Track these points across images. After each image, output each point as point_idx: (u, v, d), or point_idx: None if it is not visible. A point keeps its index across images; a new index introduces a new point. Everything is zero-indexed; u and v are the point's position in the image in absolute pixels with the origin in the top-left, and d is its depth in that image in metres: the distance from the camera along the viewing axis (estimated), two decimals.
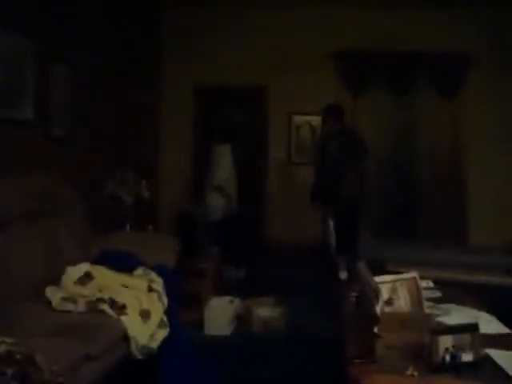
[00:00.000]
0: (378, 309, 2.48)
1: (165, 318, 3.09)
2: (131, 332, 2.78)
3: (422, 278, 2.84)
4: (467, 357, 2.13)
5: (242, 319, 4.34)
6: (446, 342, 2.12)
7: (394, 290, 2.68)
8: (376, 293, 2.51)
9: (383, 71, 7.20)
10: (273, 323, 4.25)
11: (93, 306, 2.82)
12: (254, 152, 7.49)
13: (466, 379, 2.04)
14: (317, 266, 6.07)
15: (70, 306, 2.83)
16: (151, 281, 3.25)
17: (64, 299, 2.86)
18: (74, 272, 3.12)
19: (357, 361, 2.18)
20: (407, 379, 2.05)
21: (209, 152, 6.08)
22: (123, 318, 2.80)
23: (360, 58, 7.13)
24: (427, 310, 2.74)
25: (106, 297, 2.87)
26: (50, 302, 2.87)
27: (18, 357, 1.91)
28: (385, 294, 2.65)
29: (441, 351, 2.11)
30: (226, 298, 4.40)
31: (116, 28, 5.66)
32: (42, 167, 3.97)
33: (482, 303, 3.00)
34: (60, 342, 2.37)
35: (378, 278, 2.66)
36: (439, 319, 2.68)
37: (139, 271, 3.38)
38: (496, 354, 2.25)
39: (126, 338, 2.77)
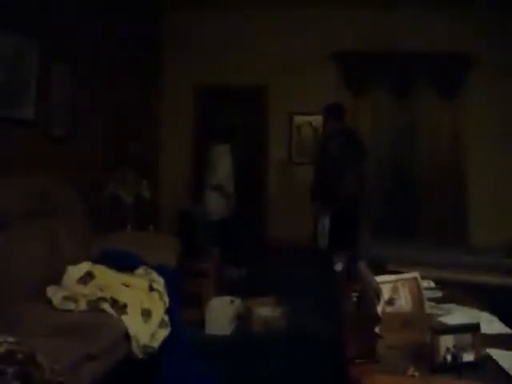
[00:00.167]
0: (379, 309, 2.48)
1: (166, 318, 3.10)
2: (132, 331, 2.78)
3: (422, 278, 2.85)
4: (468, 357, 2.13)
5: (242, 319, 4.34)
6: (447, 341, 2.12)
7: (395, 290, 2.68)
8: (377, 293, 2.51)
9: (384, 71, 7.19)
10: (273, 323, 4.26)
11: (94, 305, 2.83)
12: (254, 152, 7.48)
13: (467, 379, 2.04)
14: (317, 265, 6.07)
15: (71, 305, 2.83)
16: (152, 280, 3.25)
17: (65, 298, 2.86)
18: (75, 271, 3.13)
19: (358, 361, 2.18)
20: (408, 379, 2.04)
21: (209, 151, 6.08)
22: (124, 317, 2.80)
23: (360, 58, 7.12)
24: (428, 310, 2.74)
25: (107, 296, 2.87)
26: (50, 302, 2.87)
27: (19, 356, 1.91)
28: (386, 294, 2.65)
29: (442, 351, 2.11)
30: (227, 298, 4.40)
31: (116, 28, 5.66)
32: (42, 167, 3.96)
33: (482, 303, 3.00)
34: (61, 341, 2.37)
35: (379, 278, 2.66)
36: (440, 319, 2.68)
37: (140, 271, 3.38)
38: (497, 354, 2.25)
39: (126, 338, 2.77)
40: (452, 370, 2.10)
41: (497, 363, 2.18)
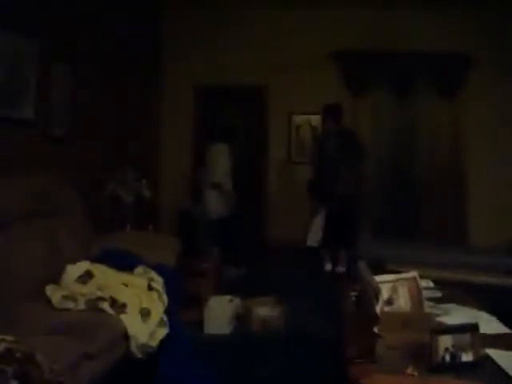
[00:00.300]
0: (378, 308, 2.48)
1: (165, 317, 3.09)
2: (131, 331, 2.78)
3: (421, 277, 2.84)
4: (467, 357, 2.13)
5: (241, 318, 4.34)
6: (445, 341, 2.12)
7: (395, 290, 2.68)
8: (376, 292, 2.51)
9: (383, 71, 7.20)
10: (272, 323, 4.25)
11: (93, 304, 2.83)
12: (254, 151, 7.50)
13: (466, 379, 2.04)
14: (316, 265, 6.08)
15: (70, 305, 2.83)
16: (151, 280, 3.25)
17: (64, 297, 2.86)
18: (74, 270, 3.13)
19: (357, 360, 2.18)
20: (407, 379, 2.04)
21: (207, 151, 6.08)
22: (123, 316, 2.80)
23: (360, 58, 7.13)
24: (427, 310, 2.74)
25: (106, 295, 2.87)
26: (49, 301, 2.87)
27: (18, 355, 1.91)
28: (385, 294, 2.65)
29: (441, 351, 2.11)
30: (226, 298, 4.39)
31: (116, 28, 5.66)
32: (42, 167, 3.97)
33: (481, 303, 3.00)
34: (60, 340, 2.37)
35: (378, 278, 2.66)
36: (439, 319, 2.68)
37: (139, 270, 3.38)
38: (496, 354, 2.25)
39: (125, 337, 2.77)
40: (451, 370, 2.10)
41: (496, 363, 2.18)
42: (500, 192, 7.00)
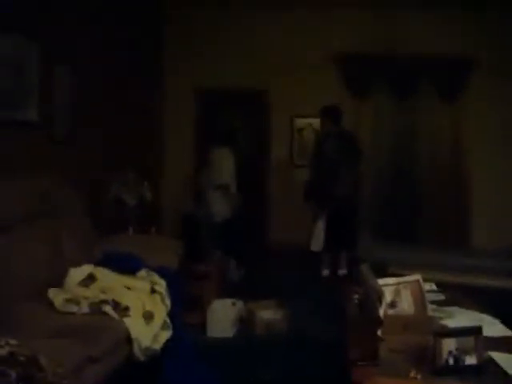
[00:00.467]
0: (381, 311, 2.48)
1: (168, 320, 3.10)
2: (134, 334, 2.78)
3: (424, 280, 2.84)
4: (470, 360, 2.13)
5: (244, 322, 4.33)
6: (449, 344, 2.11)
7: (398, 293, 2.68)
8: (379, 295, 2.51)
9: (385, 74, 7.20)
10: (275, 326, 4.25)
11: (96, 307, 2.83)
12: (255, 154, 7.50)
13: (470, 382, 2.04)
14: (318, 268, 6.08)
15: (73, 308, 2.83)
16: (154, 283, 3.25)
17: (67, 301, 2.87)
18: (77, 273, 3.13)
19: (360, 363, 2.18)
20: (410, 382, 2.04)
21: (209, 154, 6.08)
22: (126, 319, 2.80)
23: (361, 61, 7.13)
24: (430, 313, 2.74)
25: (109, 298, 2.87)
26: (52, 304, 2.88)
27: (21, 359, 1.91)
28: (388, 297, 2.65)
29: (444, 354, 2.11)
30: (229, 301, 4.39)
31: (116, 28, 5.66)
32: (45, 169, 3.97)
33: (485, 306, 2.99)
34: (63, 343, 2.37)
35: (381, 281, 2.66)
36: (443, 322, 2.68)
37: (142, 273, 3.39)
38: (499, 357, 2.25)
39: (128, 340, 2.77)
40: (454, 373, 2.10)
41: (499, 366, 2.18)
42: (502, 195, 6.99)
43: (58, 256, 3.28)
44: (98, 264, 3.35)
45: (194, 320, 4.18)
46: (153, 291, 3.16)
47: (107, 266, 3.30)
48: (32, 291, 2.94)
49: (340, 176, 5.80)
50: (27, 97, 3.92)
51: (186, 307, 3.85)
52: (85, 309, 2.83)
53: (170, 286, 3.34)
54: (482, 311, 2.91)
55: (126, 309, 2.85)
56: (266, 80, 7.25)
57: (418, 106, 7.26)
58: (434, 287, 3.34)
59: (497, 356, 2.26)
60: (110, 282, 3.09)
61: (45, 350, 2.02)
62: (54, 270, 3.15)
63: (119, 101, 5.74)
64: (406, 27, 6.97)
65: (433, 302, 2.93)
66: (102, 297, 2.90)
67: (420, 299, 2.71)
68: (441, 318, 2.73)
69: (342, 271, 5.98)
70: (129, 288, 3.07)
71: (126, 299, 2.91)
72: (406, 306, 2.68)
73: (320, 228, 5.95)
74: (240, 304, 4.41)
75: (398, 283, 2.70)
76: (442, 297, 3.16)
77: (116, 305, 2.85)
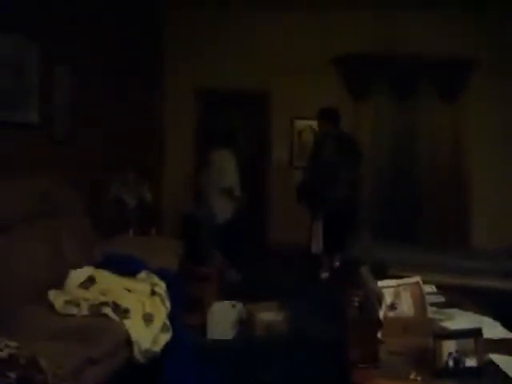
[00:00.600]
0: (381, 313, 2.47)
1: (168, 322, 3.09)
2: (134, 336, 2.78)
3: (424, 282, 2.84)
4: (471, 362, 2.13)
5: (244, 323, 4.33)
6: (449, 346, 2.11)
7: (398, 295, 2.68)
8: (379, 297, 2.51)
9: (385, 74, 7.20)
10: (275, 327, 4.25)
11: (96, 309, 2.83)
12: (255, 155, 7.50)
13: None
14: (317, 269, 6.07)
15: (73, 310, 2.83)
16: (154, 284, 3.25)
17: (67, 303, 2.87)
18: (77, 276, 3.13)
19: (360, 365, 2.18)
20: None
21: (209, 155, 6.07)
22: (126, 321, 2.80)
23: (361, 62, 7.13)
24: (431, 315, 2.74)
25: (109, 300, 2.87)
26: (52, 306, 2.88)
27: (21, 361, 1.92)
28: (388, 299, 2.65)
29: (444, 356, 2.11)
30: (229, 303, 4.39)
31: (116, 28, 5.66)
32: (45, 169, 3.96)
33: (485, 308, 2.99)
34: (63, 345, 2.37)
35: (381, 283, 2.66)
36: (443, 324, 2.68)
37: (142, 275, 3.39)
38: (500, 359, 2.24)
39: (128, 342, 2.77)
40: (454, 375, 2.09)
41: (499, 368, 2.18)
42: (502, 195, 6.99)
43: (57, 256, 3.28)
44: (98, 266, 3.35)
45: (194, 322, 4.18)
46: (153, 293, 3.16)
47: (107, 268, 3.30)
48: (32, 291, 2.94)
49: (338, 178, 5.80)
50: (27, 97, 3.92)
51: (186, 309, 3.85)
52: (85, 311, 2.82)
53: (170, 288, 3.34)
54: (482, 313, 2.90)
55: (126, 311, 2.85)
56: (267, 80, 7.25)
57: (418, 106, 7.26)
58: (434, 289, 3.33)
59: (497, 358, 2.25)
60: (110, 283, 3.09)
61: (45, 352, 2.02)
62: (54, 271, 3.15)
63: (119, 101, 5.74)
64: (406, 27, 6.96)
65: (433, 304, 2.93)
66: (102, 299, 2.90)
67: (420, 301, 2.71)
68: (441, 320, 2.73)
69: (336, 263, 5.95)
70: (129, 290, 3.07)
71: (125, 301, 2.91)
72: (406, 308, 2.68)
73: (319, 230, 5.95)
74: (240, 306, 4.41)
75: (398, 285, 2.70)
76: (442, 299, 3.16)
77: (116, 307, 2.85)
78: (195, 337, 3.90)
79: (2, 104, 3.63)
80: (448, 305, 3.04)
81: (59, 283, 3.08)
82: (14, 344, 2.00)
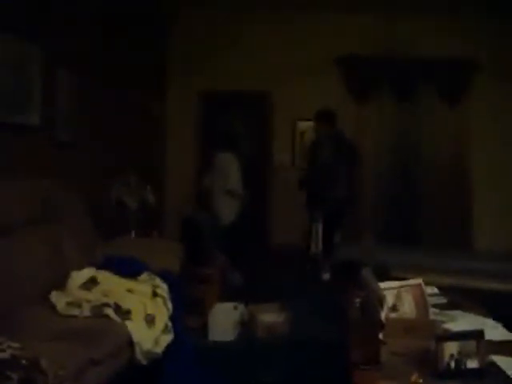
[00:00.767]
0: (382, 315, 2.47)
1: (169, 324, 3.10)
2: (136, 337, 2.78)
3: (426, 284, 2.84)
4: (472, 363, 2.12)
5: (246, 325, 4.33)
6: (451, 348, 2.11)
7: (400, 297, 2.68)
8: (381, 299, 2.51)
9: (385, 76, 7.21)
10: (277, 329, 4.25)
11: (97, 310, 2.83)
12: (258, 157, 7.50)
13: None
14: (317, 270, 6.07)
15: (75, 311, 2.83)
16: (156, 286, 3.25)
17: (69, 304, 2.87)
18: (79, 277, 3.13)
19: (362, 367, 2.18)
20: None
21: (213, 158, 6.08)
22: (128, 323, 2.80)
23: (363, 64, 7.15)
24: (432, 317, 2.73)
25: (111, 302, 2.87)
26: (54, 307, 2.88)
27: (23, 362, 1.92)
28: (390, 301, 2.64)
29: (446, 358, 2.10)
30: (230, 304, 4.39)
31: (117, 30, 5.66)
32: (46, 171, 3.97)
33: (487, 309, 2.99)
34: (65, 346, 2.37)
35: (383, 284, 2.66)
36: (445, 326, 2.67)
37: (144, 276, 3.39)
38: (502, 361, 2.24)
39: (130, 343, 2.77)
40: (456, 377, 2.09)
41: (501, 370, 2.17)
42: (504, 197, 6.99)
43: (59, 257, 3.28)
44: (99, 267, 3.35)
45: (196, 323, 4.18)
46: (154, 294, 3.16)
47: (109, 270, 3.30)
48: (33, 293, 2.94)
49: (337, 178, 5.83)
50: (29, 99, 3.92)
51: (187, 310, 3.85)
52: (86, 312, 2.83)
53: (171, 290, 3.34)
54: (484, 314, 2.90)
55: (128, 312, 2.85)
56: (268, 82, 7.26)
57: (418, 106, 7.28)
58: (436, 290, 3.33)
59: (499, 360, 2.25)
60: (111, 285, 3.10)
61: (47, 353, 2.02)
62: (55, 272, 3.16)
63: (121, 103, 5.75)
64: (407, 28, 6.97)
65: (435, 306, 2.93)
66: (104, 300, 2.90)
67: (422, 303, 2.70)
68: (443, 322, 2.72)
69: (326, 275, 5.96)
70: (131, 291, 3.08)
71: (127, 302, 2.91)
72: (408, 309, 2.68)
73: (318, 231, 5.96)
74: (241, 307, 4.41)
75: (400, 287, 2.70)
76: (443, 300, 3.16)
77: (118, 308, 2.85)
78: (197, 338, 3.89)
79: (4, 106, 3.63)
80: (450, 306, 3.03)
81: (60, 284, 3.09)
82: (16, 345, 2.01)
